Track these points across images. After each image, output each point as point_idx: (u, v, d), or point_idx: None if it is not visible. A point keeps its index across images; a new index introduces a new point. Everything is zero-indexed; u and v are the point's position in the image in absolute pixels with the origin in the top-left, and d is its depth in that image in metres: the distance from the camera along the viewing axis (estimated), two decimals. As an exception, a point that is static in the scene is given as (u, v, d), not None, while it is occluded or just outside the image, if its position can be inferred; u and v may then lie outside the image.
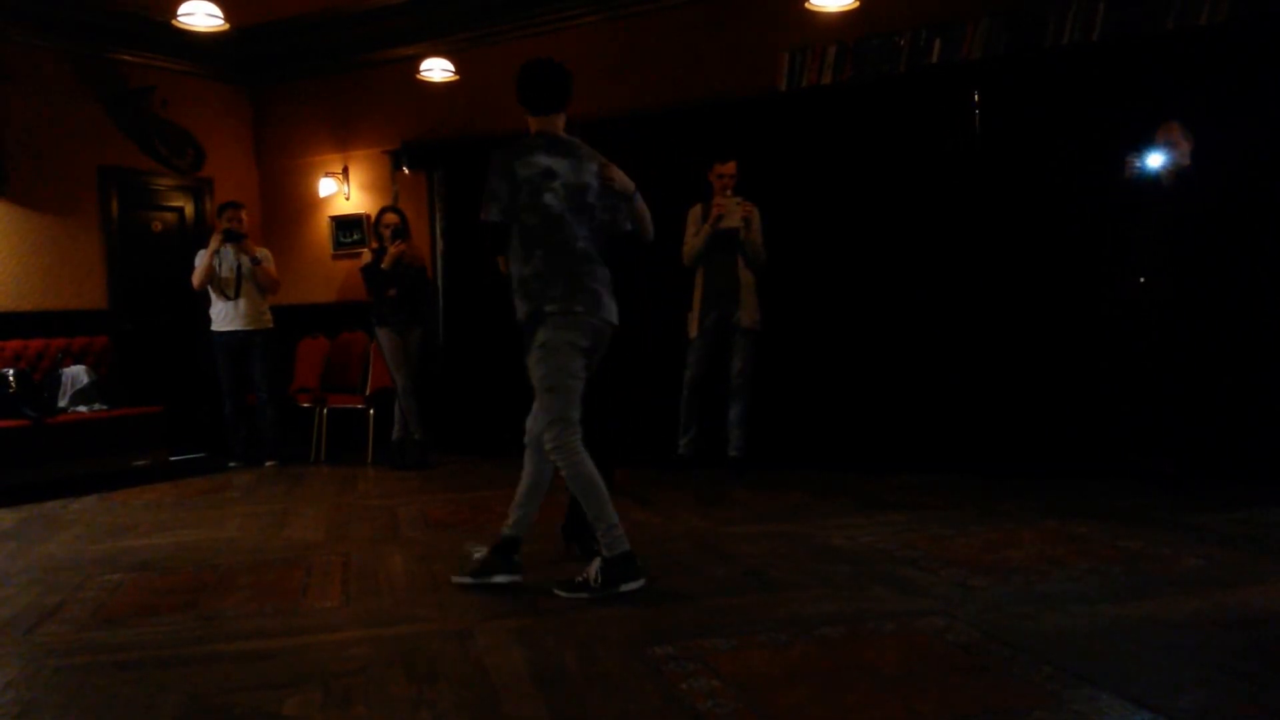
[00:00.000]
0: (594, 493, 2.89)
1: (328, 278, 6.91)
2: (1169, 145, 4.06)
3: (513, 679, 2.29)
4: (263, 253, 5.89)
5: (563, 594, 2.91)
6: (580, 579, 2.91)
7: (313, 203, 6.92)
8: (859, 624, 2.55)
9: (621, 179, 3.03)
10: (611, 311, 2.98)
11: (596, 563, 2.92)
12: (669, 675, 2.25)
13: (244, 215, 5.84)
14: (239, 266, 5.73)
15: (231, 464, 5.93)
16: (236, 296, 5.73)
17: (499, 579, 3.03)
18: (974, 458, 4.65)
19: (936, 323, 4.87)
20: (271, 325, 5.94)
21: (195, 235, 6.64)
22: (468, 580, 3.06)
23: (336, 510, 4.53)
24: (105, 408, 5.60)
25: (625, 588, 2.86)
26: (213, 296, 5.79)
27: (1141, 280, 4.19)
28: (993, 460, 4.60)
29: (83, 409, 5.53)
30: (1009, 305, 4.71)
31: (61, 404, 5.52)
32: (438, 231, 6.41)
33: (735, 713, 2.03)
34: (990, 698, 2.06)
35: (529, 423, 3.03)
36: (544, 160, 2.92)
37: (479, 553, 3.13)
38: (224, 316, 5.78)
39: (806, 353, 5.14)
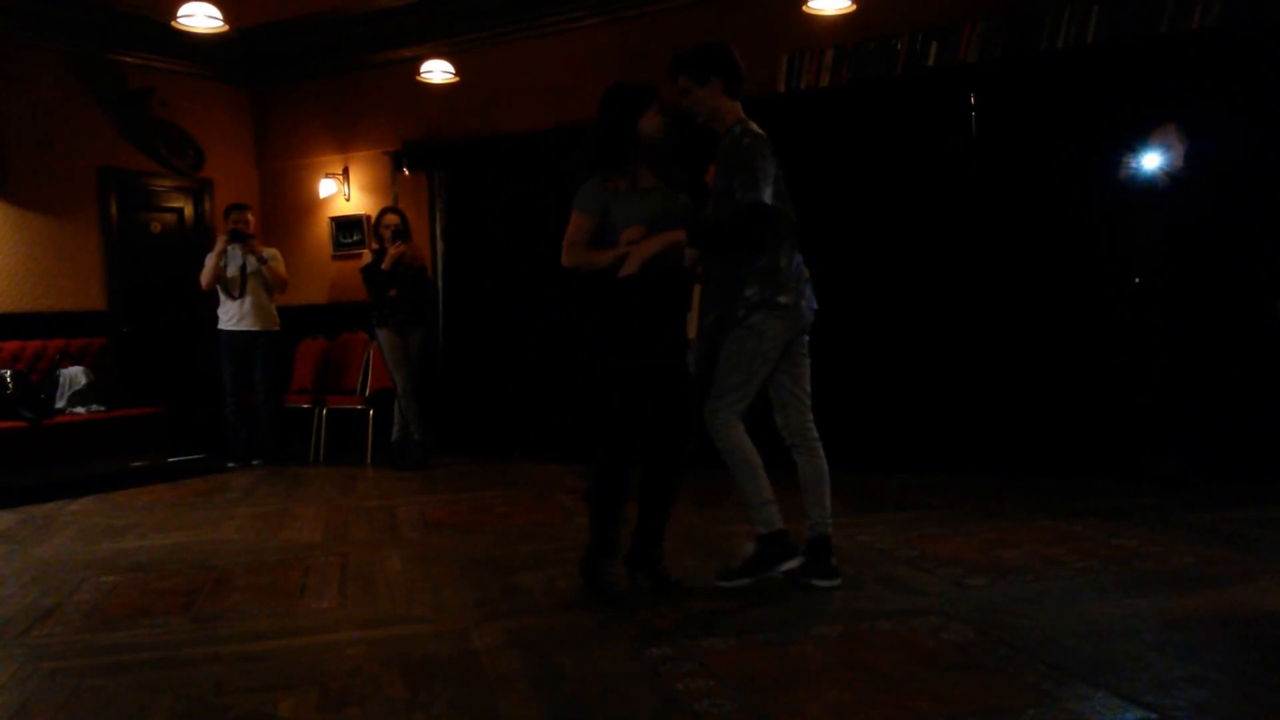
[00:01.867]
0: (750, 472, 2.80)
1: (328, 278, 6.91)
2: (1165, 146, 4.07)
3: (509, 680, 2.29)
4: (270, 252, 5.95)
5: (724, 584, 2.82)
6: (738, 564, 2.84)
7: (313, 204, 6.92)
8: (856, 623, 2.55)
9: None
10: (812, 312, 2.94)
11: (750, 545, 2.84)
12: (666, 675, 2.25)
13: (250, 216, 5.90)
14: (244, 266, 5.77)
15: (230, 464, 5.95)
16: (242, 296, 5.78)
17: (821, 583, 2.85)
18: (971, 458, 4.66)
19: (933, 324, 4.88)
20: (278, 327, 5.98)
21: (195, 236, 6.65)
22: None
23: (335, 511, 4.53)
24: (103, 409, 5.60)
25: (784, 567, 2.79)
26: (220, 296, 5.85)
27: (1138, 280, 4.20)
28: (990, 460, 4.61)
29: (80, 410, 5.53)
30: (1006, 306, 4.71)
31: (59, 405, 5.52)
32: (438, 232, 6.41)
33: (732, 713, 2.03)
34: (986, 696, 2.06)
35: (778, 421, 2.96)
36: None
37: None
38: (231, 316, 5.84)
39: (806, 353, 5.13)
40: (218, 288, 5.82)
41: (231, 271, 5.78)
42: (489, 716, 2.09)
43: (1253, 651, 2.26)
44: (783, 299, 2.82)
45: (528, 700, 2.17)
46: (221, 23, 4.86)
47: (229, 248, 5.76)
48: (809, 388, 2.98)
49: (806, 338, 2.97)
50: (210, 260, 5.77)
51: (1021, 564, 3.06)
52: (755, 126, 2.84)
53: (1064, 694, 2.05)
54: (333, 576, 3.32)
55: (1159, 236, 4.12)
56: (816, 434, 2.96)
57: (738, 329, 2.83)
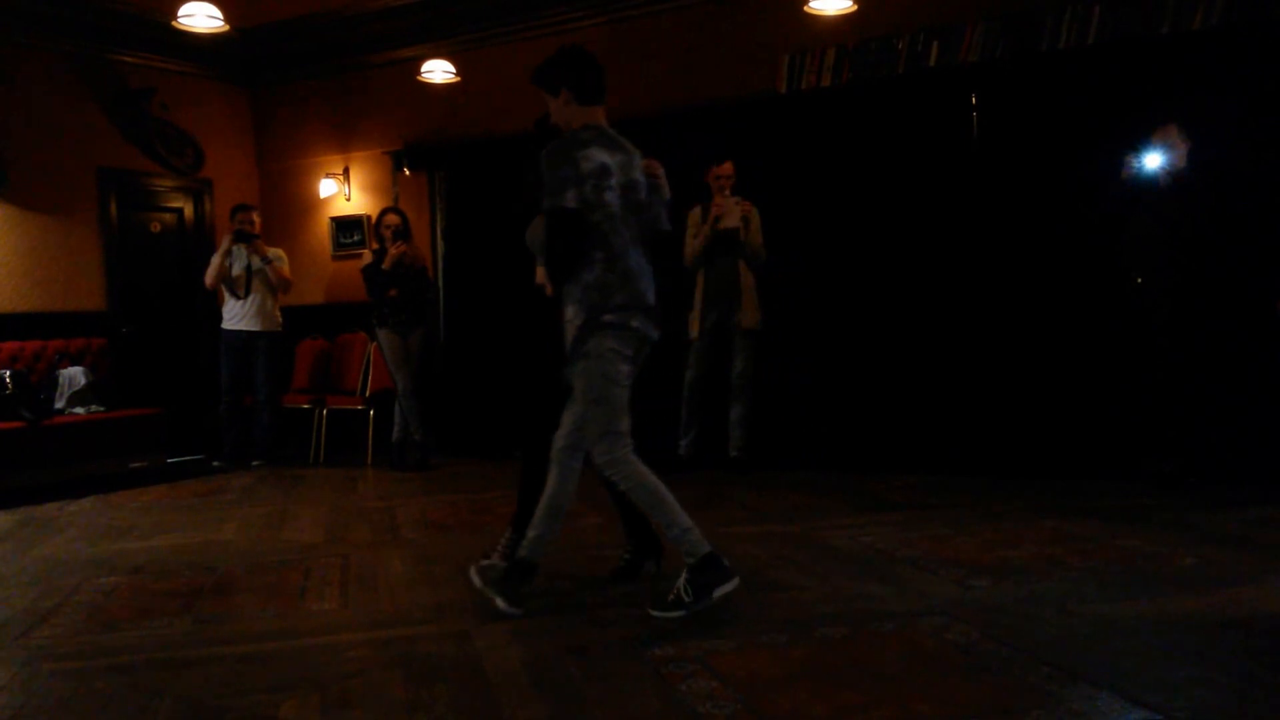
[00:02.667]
0: (658, 502, 2.65)
1: (328, 279, 6.90)
2: (1166, 147, 4.07)
3: (511, 681, 2.28)
4: (275, 253, 5.97)
5: (657, 614, 2.63)
6: (672, 596, 2.63)
7: (313, 204, 6.92)
8: (859, 624, 2.55)
9: (662, 177, 2.82)
10: (658, 324, 2.76)
11: (684, 574, 2.64)
12: (668, 676, 2.25)
13: (255, 217, 5.93)
14: (249, 266, 5.79)
15: (216, 463, 5.94)
16: (246, 295, 5.80)
17: (501, 605, 2.74)
18: (973, 458, 4.65)
19: (935, 324, 4.88)
20: (280, 328, 5.99)
21: (194, 237, 6.65)
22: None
23: (335, 512, 4.52)
24: (102, 409, 5.59)
25: (719, 593, 2.58)
26: (225, 296, 5.87)
27: (1139, 281, 4.19)
28: (992, 461, 4.60)
29: (80, 411, 5.52)
30: (1007, 306, 4.71)
31: (58, 406, 5.51)
32: (439, 232, 6.41)
33: (735, 714, 2.02)
34: (989, 697, 2.06)
35: (557, 435, 2.79)
36: (599, 155, 2.66)
37: (489, 561, 2.94)
38: (234, 315, 5.87)
39: (807, 354, 5.14)
40: (222, 287, 5.83)
41: (237, 271, 5.80)
42: (491, 718, 2.08)
43: (1256, 653, 2.25)
44: (607, 318, 2.63)
45: (530, 701, 2.16)
46: (222, 22, 4.85)
47: (234, 247, 5.78)
48: None
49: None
50: (215, 259, 5.79)
51: (1024, 565, 3.06)
52: (590, 134, 2.70)
53: (1068, 695, 2.05)
54: (334, 577, 3.31)
55: (1160, 237, 4.11)
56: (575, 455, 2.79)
57: (577, 362, 2.67)
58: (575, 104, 2.74)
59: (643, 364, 2.80)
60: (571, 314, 2.70)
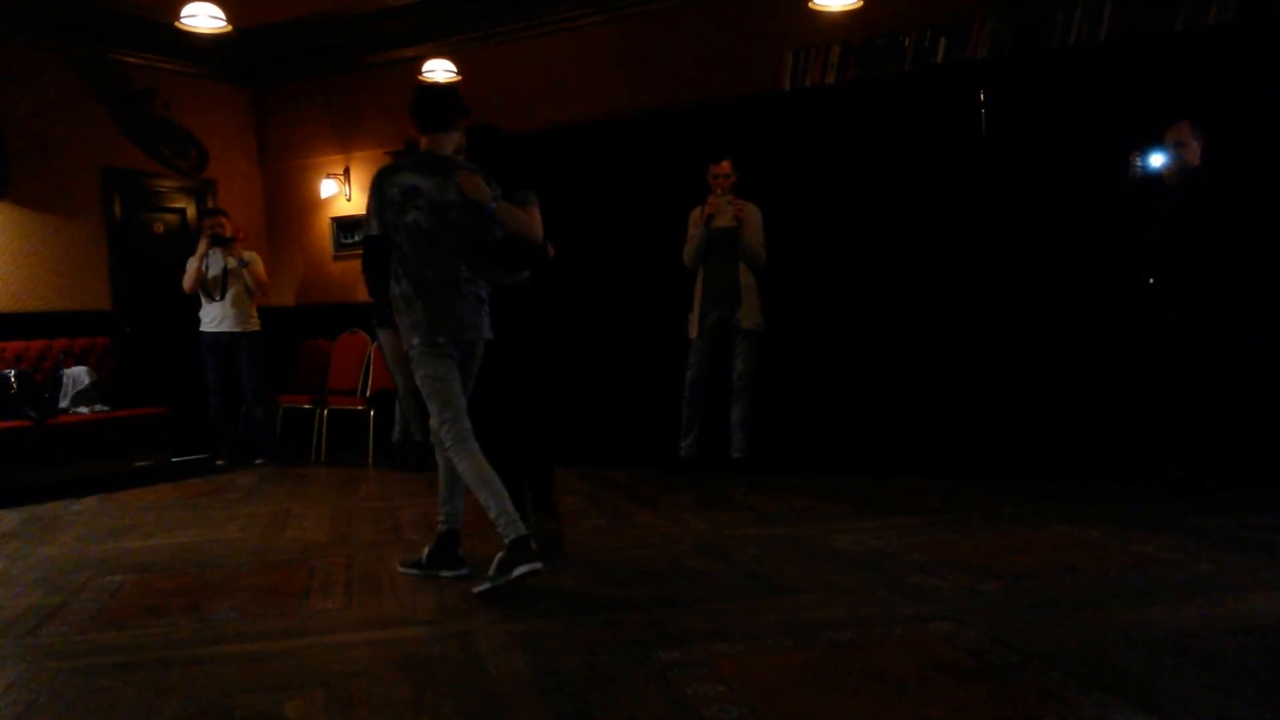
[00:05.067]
0: (484, 484, 2.93)
1: (329, 279, 6.90)
2: (1178, 145, 4.01)
3: (515, 683, 2.26)
4: (250, 255, 6.03)
5: (475, 589, 2.93)
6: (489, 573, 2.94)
7: (315, 204, 6.91)
8: (866, 629, 2.52)
9: (475, 188, 3.02)
10: (478, 328, 3.07)
11: (498, 555, 2.94)
12: (674, 680, 2.23)
13: (224, 220, 6.01)
14: (225, 268, 5.84)
15: (219, 462, 5.99)
16: (223, 297, 5.86)
17: (446, 574, 3.18)
18: (982, 462, 4.61)
19: (942, 324, 4.84)
20: (258, 328, 6.04)
21: (197, 237, 6.62)
22: (413, 572, 3.24)
23: (338, 512, 4.51)
24: (106, 409, 5.59)
25: (517, 571, 2.84)
26: (202, 299, 5.92)
27: (1150, 282, 4.15)
28: (1001, 464, 4.56)
29: (84, 410, 5.52)
30: (1017, 307, 4.68)
31: (63, 405, 5.51)
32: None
33: (741, 718, 2.01)
34: (1000, 704, 2.04)
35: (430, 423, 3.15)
36: (409, 179, 3.02)
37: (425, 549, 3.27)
38: (211, 318, 5.92)
39: (811, 354, 5.11)
40: (199, 290, 5.89)
41: (213, 273, 5.86)
42: (496, 719, 2.07)
43: (1273, 660, 2.23)
44: (415, 341, 3.04)
45: (534, 703, 2.14)
46: (224, 23, 4.85)
47: (210, 251, 5.83)
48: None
49: (476, 357, 3.16)
50: (192, 264, 5.85)
51: (1035, 569, 3.03)
52: (405, 161, 3.10)
53: (1080, 702, 2.02)
54: (337, 577, 3.30)
55: (1172, 237, 4.06)
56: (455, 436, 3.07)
57: (416, 368, 3.10)
58: (422, 135, 3.13)
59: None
60: (376, 320, 3.22)
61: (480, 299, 3.09)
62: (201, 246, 5.86)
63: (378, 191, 3.03)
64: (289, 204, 7.04)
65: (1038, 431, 4.58)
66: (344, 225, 6.78)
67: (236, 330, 5.90)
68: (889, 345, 4.95)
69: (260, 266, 6.05)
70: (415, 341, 3.04)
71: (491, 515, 2.92)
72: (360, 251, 6.45)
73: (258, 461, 6.00)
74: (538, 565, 2.88)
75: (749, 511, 4.12)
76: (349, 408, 6.17)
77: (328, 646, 2.57)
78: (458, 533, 3.23)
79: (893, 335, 4.95)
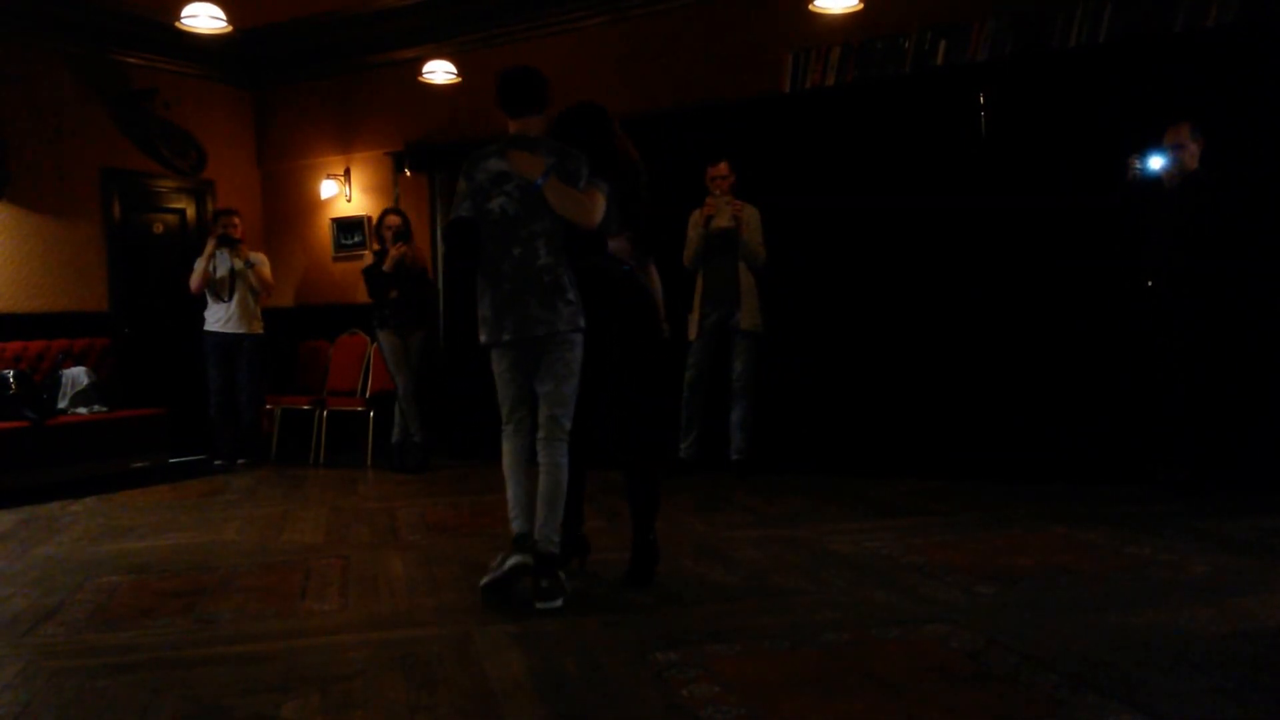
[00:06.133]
0: (509, 477, 2.99)
1: (329, 280, 6.90)
2: (1177, 147, 4.01)
3: (512, 684, 2.26)
4: (258, 257, 6.03)
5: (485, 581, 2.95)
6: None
7: (314, 204, 6.91)
8: (863, 630, 2.52)
9: (522, 163, 2.87)
10: (550, 323, 2.86)
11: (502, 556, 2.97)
12: (671, 681, 2.23)
13: (237, 220, 5.99)
14: (233, 269, 5.85)
15: (217, 462, 6.00)
16: (230, 298, 5.85)
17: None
18: (980, 463, 4.61)
19: (942, 326, 4.84)
20: (262, 331, 6.05)
21: (196, 237, 6.63)
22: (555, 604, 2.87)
23: (336, 513, 4.51)
24: (105, 410, 5.59)
25: (509, 563, 2.90)
26: (208, 299, 5.91)
27: (1150, 284, 4.15)
28: (999, 466, 4.56)
29: (82, 411, 5.52)
30: (1015, 308, 4.67)
31: (61, 405, 5.51)
32: (440, 234, 6.39)
33: (738, 719, 2.00)
34: (996, 706, 2.03)
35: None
36: (498, 165, 2.92)
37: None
38: (217, 318, 5.91)
39: (810, 355, 5.11)
40: (206, 290, 5.88)
41: (221, 274, 5.86)
42: (492, 723, 2.07)
43: (1270, 662, 2.22)
44: (482, 339, 2.99)
45: (531, 704, 2.14)
46: (225, 23, 4.85)
47: (218, 251, 5.83)
48: (553, 400, 2.96)
49: (557, 352, 2.92)
50: (200, 264, 5.84)
51: (1032, 572, 3.03)
52: (495, 147, 2.98)
53: (1076, 704, 2.02)
54: (334, 578, 3.29)
55: (1172, 239, 4.06)
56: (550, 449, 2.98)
57: None
58: (508, 118, 3.03)
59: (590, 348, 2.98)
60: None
61: (560, 287, 2.88)
62: (209, 247, 5.85)
63: (467, 177, 2.96)
64: (288, 205, 7.04)
65: (1037, 433, 4.57)
66: (344, 226, 6.78)
67: (241, 331, 5.90)
68: (888, 347, 4.95)
69: (267, 268, 6.04)
70: (481, 339, 2.98)
71: (509, 507, 2.98)
72: (359, 252, 6.64)
73: (240, 461, 6.02)
74: (527, 560, 2.86)
75: (747, 513, 4.12)
76: (348, 409, 6.17)
77: (324, 648, 2.57)
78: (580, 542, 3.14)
79: (892, 337, 4.94)
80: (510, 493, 2.98)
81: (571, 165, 2.91)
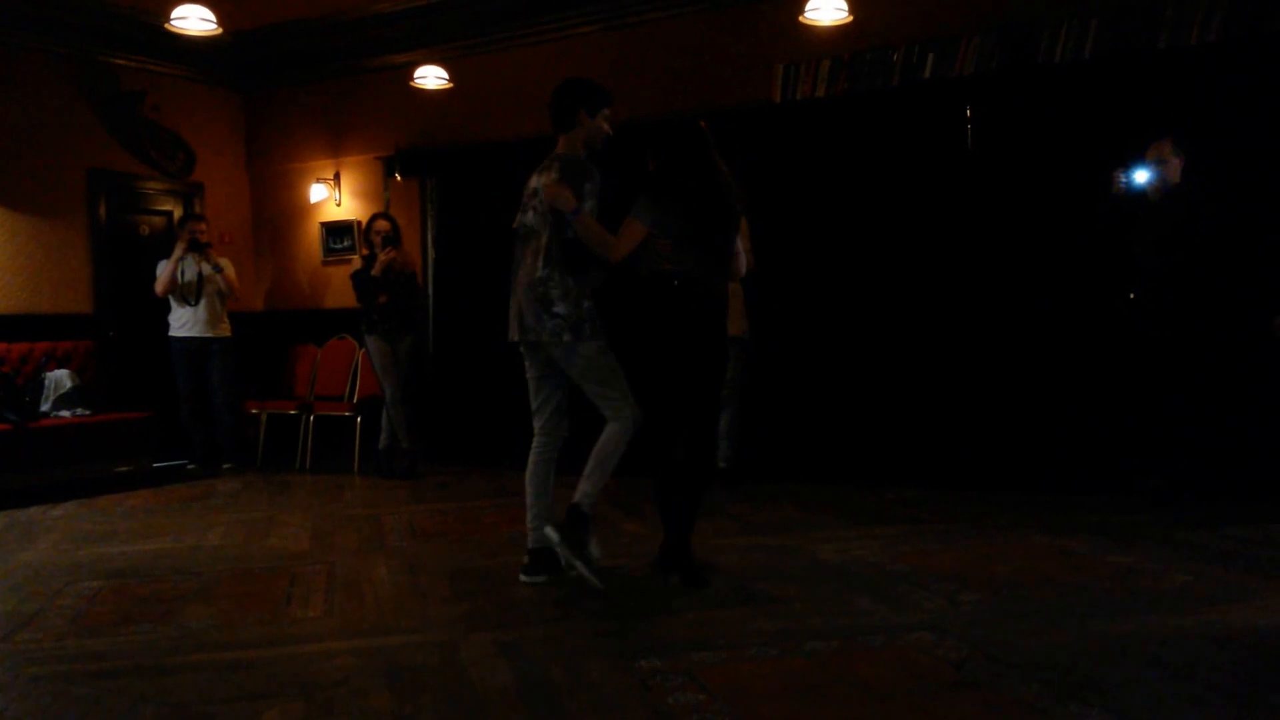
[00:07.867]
0: (530, 487, 3.18)
1: (317, 284, 6.87)
2: (1159, 162, 4.08)
3: (497, 692, 2.26)
4: (223, 261, 6.04)
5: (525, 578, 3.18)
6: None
7: (303, 208, 6.89)
8: (848, 638, 2.53)
9: (555, 197, 3.01)
10: (536, 331, 3.04)
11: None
12: (656, 689, 2.23)
13: (204, 226, 6.03)
14: (200, 274, 5.86)
15: (190, 466, 6.01)
16: (198, 302, 5.87)
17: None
18: (966, 472, 4.64)
19: (928, 336, 4.88)
20: (229, 334, 6.05)
21: (176, 241, 6.60)
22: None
23: (322, 519, 4.48)
24: (88, 413, 5.54)
25: (524, 579, 3.17)
26: (173, 303, 5.91)
27: (1132, 296, 4.20)
28: (985, 475, 4.59)
29: (65, 414, 5.46)
30: (1001, 320, 4.72)
31: (44, 408, 5.46)
32: (429, 239, 6.38)
33: (723, 728, 2.01)
34: (979, 714, 2.04)
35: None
36: (534, 180, 3.19)
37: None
38: (183, 323, 5.92)
39: (797, 364, 5.13)
40: (170, 295, 5.88)
41: (188, 278, 5.86)
42: (477, 730, 2.06)
43: (1249, 671, 2.25)
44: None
45: (515, 712, 2.13)
46: (215, 25, 4.83)
47: (185, 255, 5.84)
48: (594, 396, 3.16)
49: (567, 358, 3.10)
50: (168, 267, 5.84)
51: (1016, 580, 3.05)
52: (543, 162, 3.24)
53: (1058, 712, 2.03)
54: (319, 585, 3.27)
55: (1154, 252, 4.11)
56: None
57: None
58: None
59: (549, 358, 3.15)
60: None
61: (547, 301, 3.04)
62: (178, 250, 5.86)
63: (524, 190, 3.21)
64: (277, 208, 7.02)
65: (1021, 443, 4.61)
66: (333, 230, 6.76)
67: (208, 335, 5.91)
68: (876, 356, 4.98)
69: (233, 272, 6.05)
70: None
71: (530, 514, 3.19)
72: (348, 256, 6.61)
73: (225, 466, 6.00)
74: (543, 578, 3.15)
75: (734, 521, 4.13)
76: (335, 414, 6.14)
77: (308, 655, 2.55)
78: (540, 549, 3.19)
79: (879, 346, 4.98)
80: (536, 508, 3.19)
81: (573, 179, 3.07)
